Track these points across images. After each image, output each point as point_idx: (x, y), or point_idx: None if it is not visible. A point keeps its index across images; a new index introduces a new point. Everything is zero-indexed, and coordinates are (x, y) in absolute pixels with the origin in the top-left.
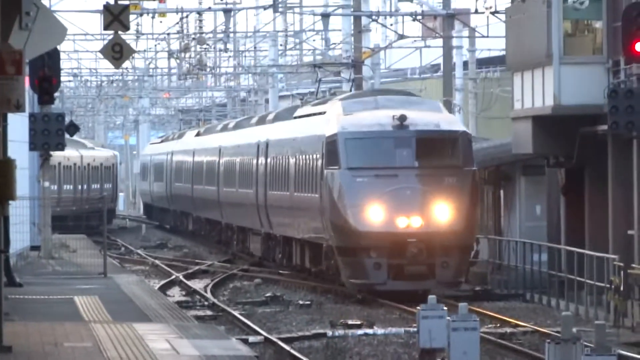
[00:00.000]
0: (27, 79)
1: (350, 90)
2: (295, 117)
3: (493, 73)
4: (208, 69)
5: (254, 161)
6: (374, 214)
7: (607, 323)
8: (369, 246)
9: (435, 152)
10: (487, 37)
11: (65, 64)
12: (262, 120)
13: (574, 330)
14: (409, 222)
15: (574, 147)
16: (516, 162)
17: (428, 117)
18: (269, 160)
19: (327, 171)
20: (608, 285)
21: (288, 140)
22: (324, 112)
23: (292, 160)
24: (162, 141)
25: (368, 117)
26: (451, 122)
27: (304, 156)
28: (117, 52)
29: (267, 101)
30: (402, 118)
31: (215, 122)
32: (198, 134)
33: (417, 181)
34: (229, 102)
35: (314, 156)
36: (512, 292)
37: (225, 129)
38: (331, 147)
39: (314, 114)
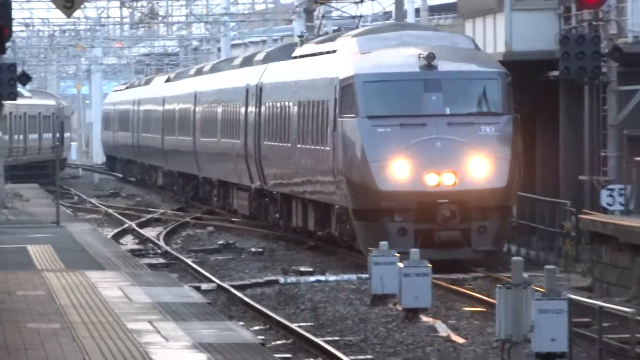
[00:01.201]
0: None
1: (357, 27)
2: (294, 57)
3: (445, 20)
4: (160, 18)
5: (242, 108)
6: (399, 171)
7: (558, 268)
8: (393, 208)
9: (470, 97)
10: None
11: (17, 14)
12: (248, 62)
13: (525, 275)
14: (440, 180)
15: (526, 93)
16: None
17: (461, 55)
18: (262, 107)
19: (342, 120)
20: (559, 231)
21: (288, 84)
22: (334, 51)
23: (293, 107)
24: (126, 88)
25: (389, 56)
26: (488, 61)
27: (309, 102)
28: (68, 1)
29: (219, 50)
30: (431, 57)
31: (166, 70)
32: (168, 80)
33: (449, 131)
34: (181, 51)
35: (324, 102)
36: None
37: (200, 72)
38: (346, 92)
39: (321, 53)
